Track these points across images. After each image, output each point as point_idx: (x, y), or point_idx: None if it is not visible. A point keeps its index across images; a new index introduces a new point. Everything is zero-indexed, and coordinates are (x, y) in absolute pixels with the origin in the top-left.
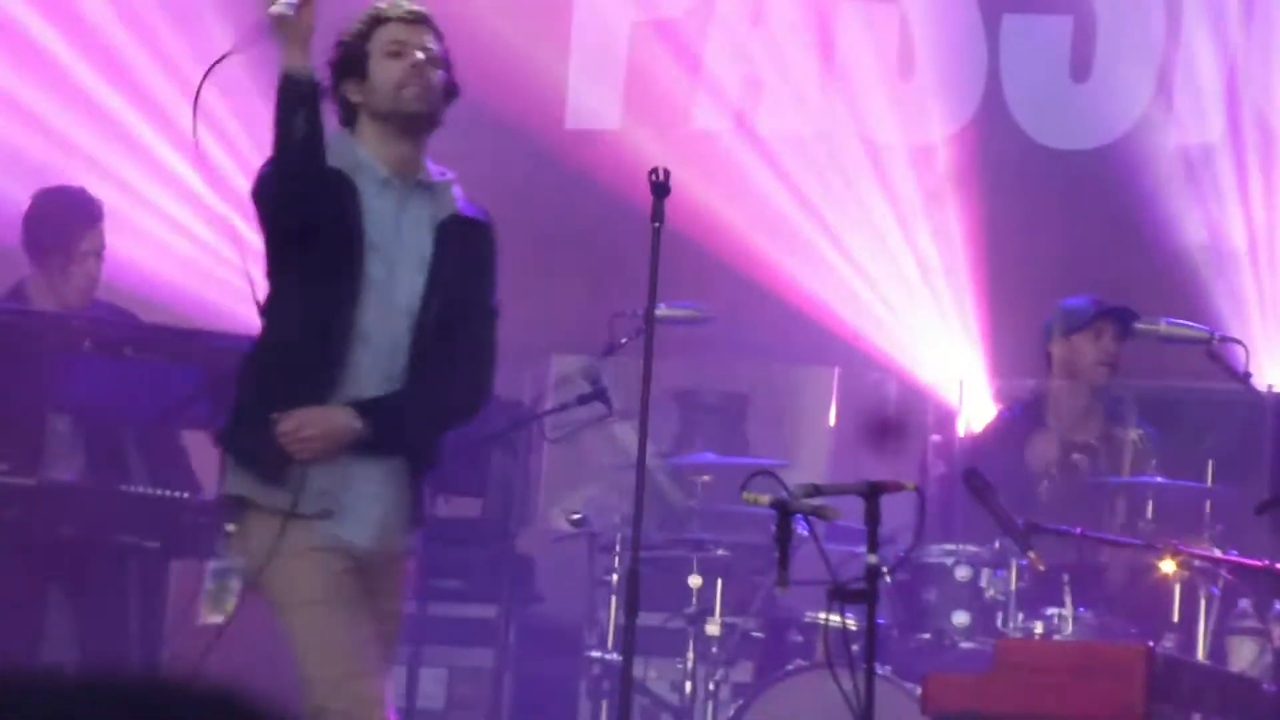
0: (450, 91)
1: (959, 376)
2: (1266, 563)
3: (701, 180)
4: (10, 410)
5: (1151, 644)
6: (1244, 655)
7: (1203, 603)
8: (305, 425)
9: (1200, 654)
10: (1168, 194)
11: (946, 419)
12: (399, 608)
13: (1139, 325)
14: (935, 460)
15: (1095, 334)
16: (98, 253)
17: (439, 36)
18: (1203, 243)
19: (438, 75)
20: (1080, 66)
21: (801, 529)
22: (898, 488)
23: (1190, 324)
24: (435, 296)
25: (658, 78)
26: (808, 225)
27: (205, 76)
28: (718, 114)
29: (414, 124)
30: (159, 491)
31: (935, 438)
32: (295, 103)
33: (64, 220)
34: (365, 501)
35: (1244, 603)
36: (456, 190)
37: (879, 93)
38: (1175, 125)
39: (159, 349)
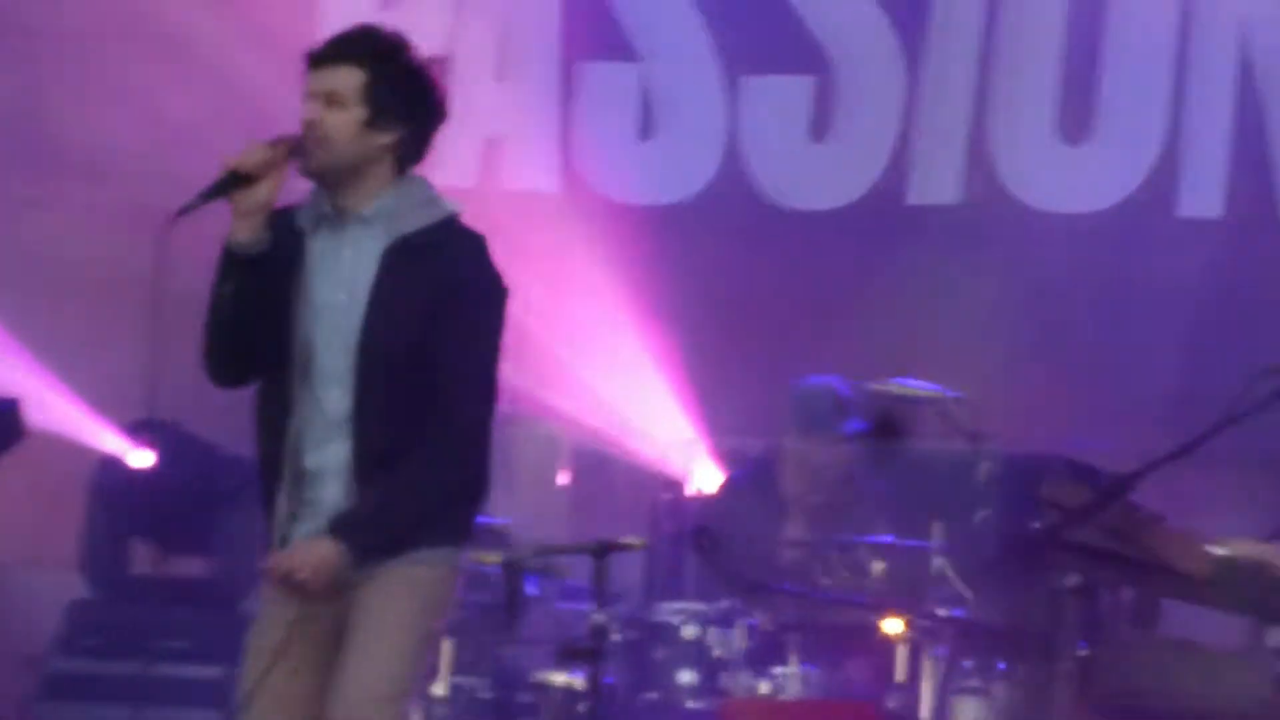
0: (374, 119)
1: (686, 435)
2: (991, 623)
3: None
4: None
5: (877, 703)
6: (967, 714)
7: (927, 662)
8: (295, 569)
9: (925, 713)
10: (908, 256)
11: (675, 480)
12: (370, 623)
13: (871, 387)
14: (665, 519)
15: (832, 444)
16: None
17: (362, 58)
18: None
19: (331, 124)
20: (820, 126)
21: (531, 588)
22: (626, 546)
23: (921, 384)
24: (373, 328)
25: None
26: (544, 282)
27: (169, 226)
28: (459, 171)
29: (314, 179)
30: None
31: (665, 496)
32: (226, 273)
33: None
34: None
35: (968, 662)
36: (415, 222)
37: (619, 152)
38: (915, 186)
39: None
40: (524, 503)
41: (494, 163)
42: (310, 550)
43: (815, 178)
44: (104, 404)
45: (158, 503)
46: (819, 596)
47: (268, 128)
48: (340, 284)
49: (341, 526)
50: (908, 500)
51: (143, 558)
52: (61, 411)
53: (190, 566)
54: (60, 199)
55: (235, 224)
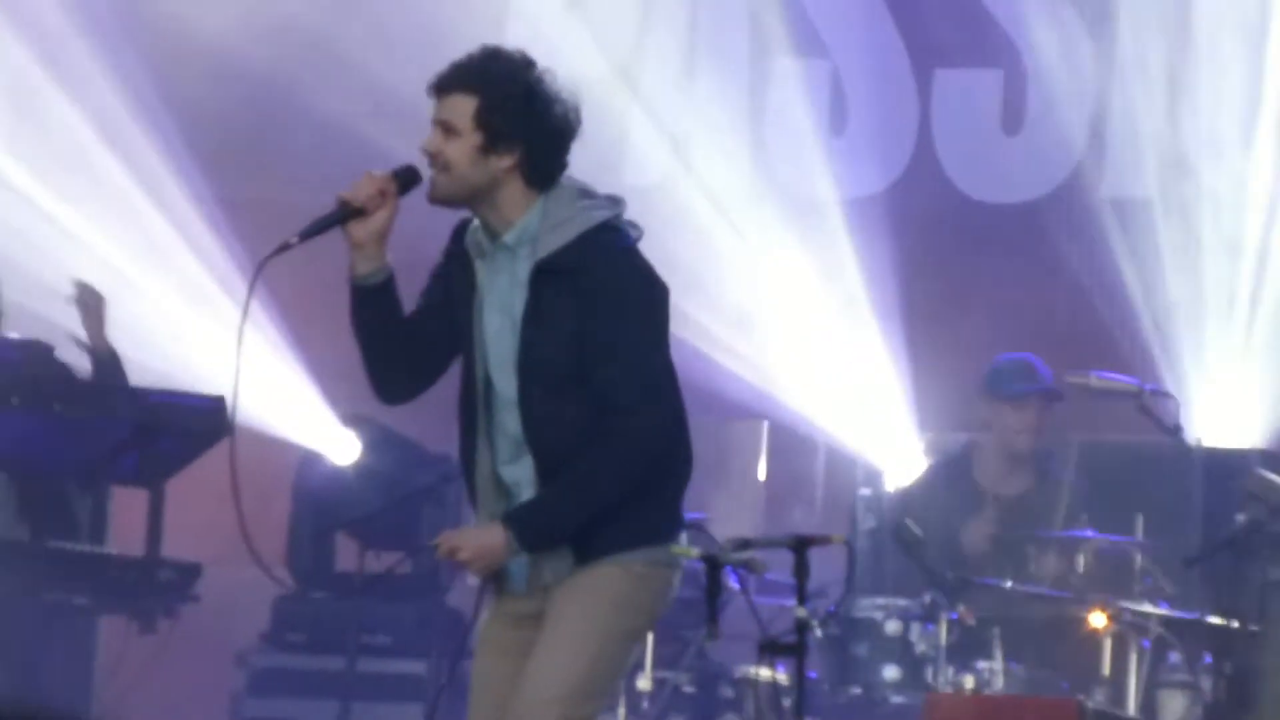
0: (490, 143)
1: (889, 430)
2: (1196, 616)
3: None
4: None
5: (1081, 698)
6: (1174, 709)
7: (1133, 656)
8: (459, 548)
9: (1131, 708)
10: (1100, 248)
11: (875, 472)
12: (554, 628)
13: (1069, 378)
14: (865, 514)
15: (1019, 404)
16: None
17: (474, 85)
18: (1135, 296)
19: (450, 153)
20: (1011, 120)
21: (732, 582)
22: (826, 541)
23: (1120, 377)
24: (528, 350)
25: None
26: (735, 280)
27: (263, 264)
28: (648, 170)
29: (444, 206)
30: (84, 548)
31: (864, 491)
32: (355, 307)
33: None
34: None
35: (1174, 656)
36: (558, 240)
37: (809, 147)
38: (1108, 178)
39: (86, 403)
40: (723, 497)
41: (684, 159)
42: (478, 534)
43: (1008, 171)
44: (309, 400)
45: (361, 499)
46: (1022, 591)
47: None
48: (500, 310)
49: (512, 516)
50: (1108, 494)
51: (347, 553)
52: (267, 408)
53: (393, 562)
54: (267, 200)
55: (352, 256)
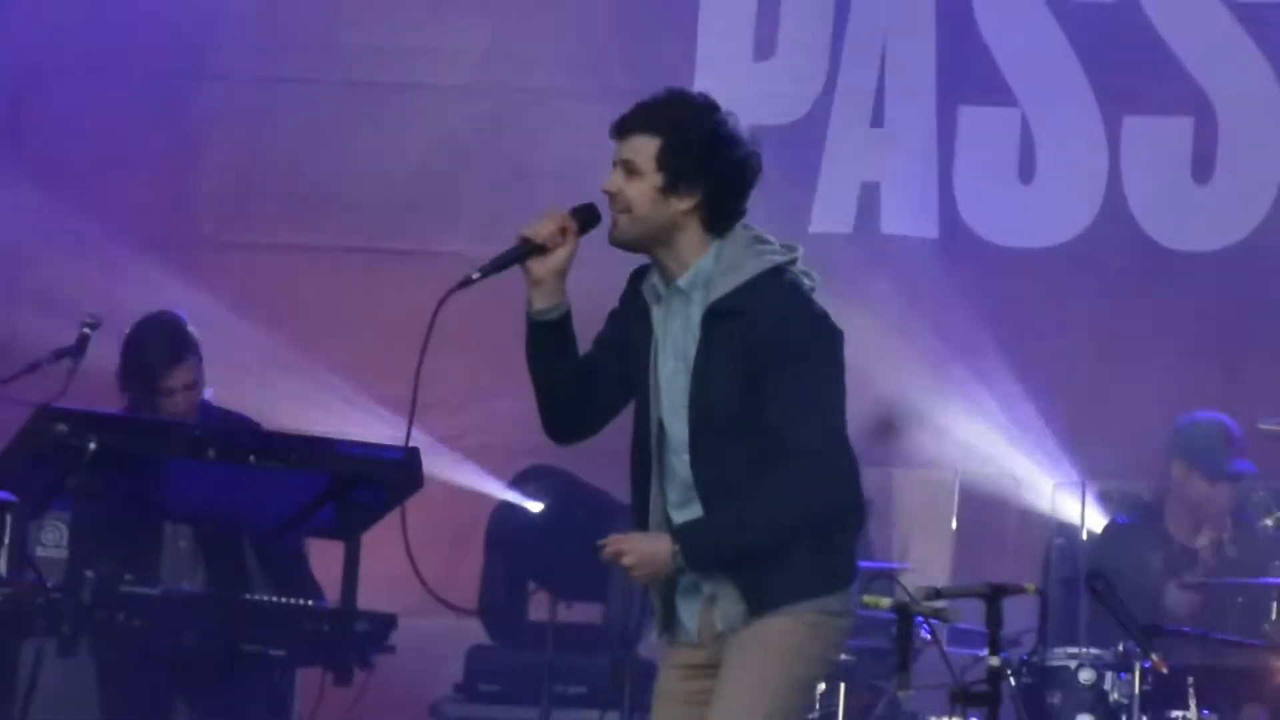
0: (671, 185)
1: (1081, 479)
2: None
3: (823, 284)
4: (131, 520)
5: None
6: None
7: None
8: (623, 552)
9: None
10: None
11: (1068, 522)
12: (728, 679)
13: (1262, 426)
14: (1058, 563)
15: (1213, 482)
16: (188, 387)
17: (657, 126)
18: None
19: (631, 193)
20: (1202, 167)
21: (923, 632)
22: (1019, 590)
23: None
24: (699, 394)
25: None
26: (928, 329)
27: (444, 300)
28: (836, 217)
29: (625, 249)
30: (282, 600)
31: (1058, 540)
32: (531, 346)
33: (148, 358)
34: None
35: None
36: (726, 284)
37: (999, 195)
38: None
39: (283, 456)
40: (914, 547)
41: (871, 207)
42: (645, 540)
43: (1198, 219)
44: (495, 453)
45: (552, 549)
46: (1216, 639)
47: None
48: (675, 354)
49: (681, 529)
50: None
51: (539, 604)
52: (456, 461)
53: (585, 613)
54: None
55: (530, 292)
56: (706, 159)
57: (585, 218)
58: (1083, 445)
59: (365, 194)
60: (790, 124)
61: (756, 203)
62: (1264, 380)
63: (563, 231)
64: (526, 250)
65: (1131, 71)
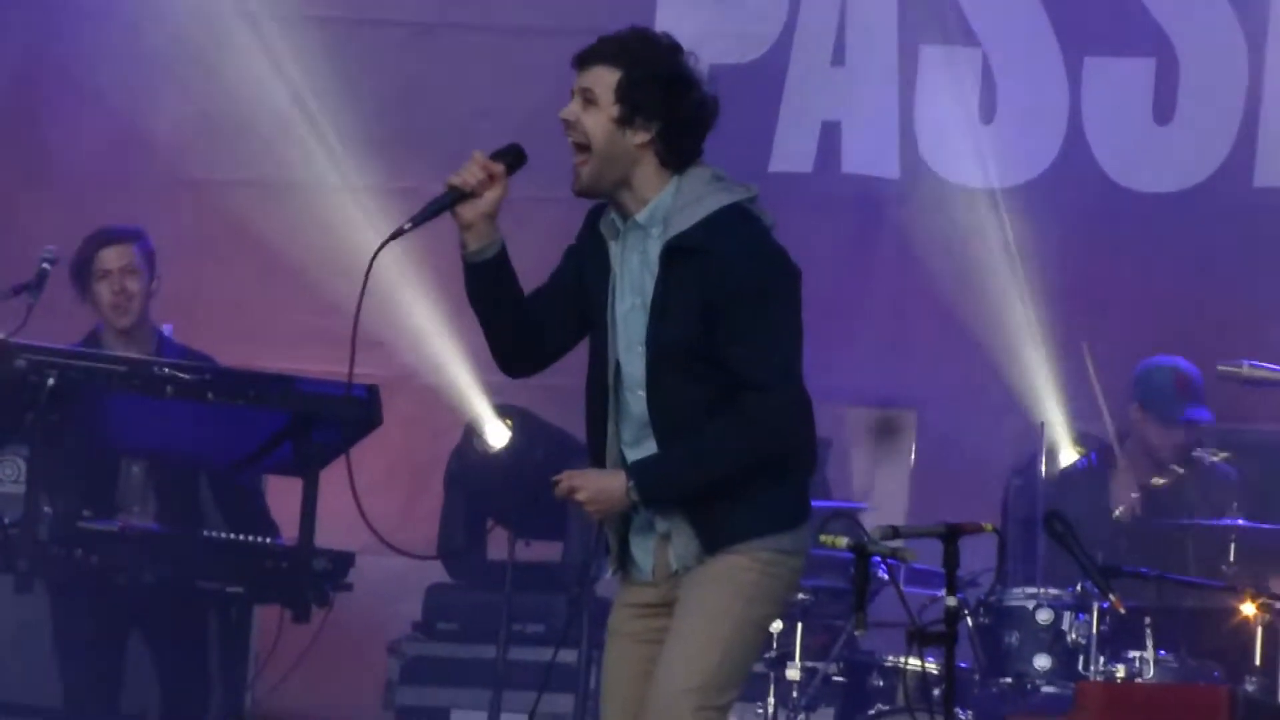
0: (628, 116)
1: (1039, 419)
2: None
3: (782, 224)
4: (89, 456)
5: (1234, 686)
6: None
7: None
8: (577, 487)
9: None
10: (1253, 236)
11: (1026, 462)
12: (684, 617)
13: (1220, 367)
14: (1016, 503)
15: (1167, 424)
16: (124, 270)
17: (620, 58)
18: None
19: (588, 122)
20: (1163, 109)
21: (880, 572)
22: (977, 530)
23: (1272, 367)
24: (657, 330)
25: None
26: (885, 268)
27: (378, 251)
28: (797, 157)
29: (587, 195)
30: (240, 537)
31: (1016, 480)
32: (470, 287)
33: (86, 245)
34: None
35: None
36: (684, 221)
37: (960, 135)
38: (1261, 167)
39: (241, 393)
40: (872, 486)
41: (832, 147)
42: (599, 476)
43: (1160, 160)
44: (462, 389)
45: (512, 488)
46: (1173, 580)
47: None
48: (632, 290)
49: (635, 465)
50: (1259, 483)
51: (498, 542)
52: (418, 396)
53: (544, 551)
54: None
55: (462, 235)
56: (665, 94)
57: (510, 159)
58: (1041, 384)
59: (325, 130)
60: (750, 62)
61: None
62: (1224, 322)
63: (490, 176)
64: (455, 197)
65: (1093, 12)
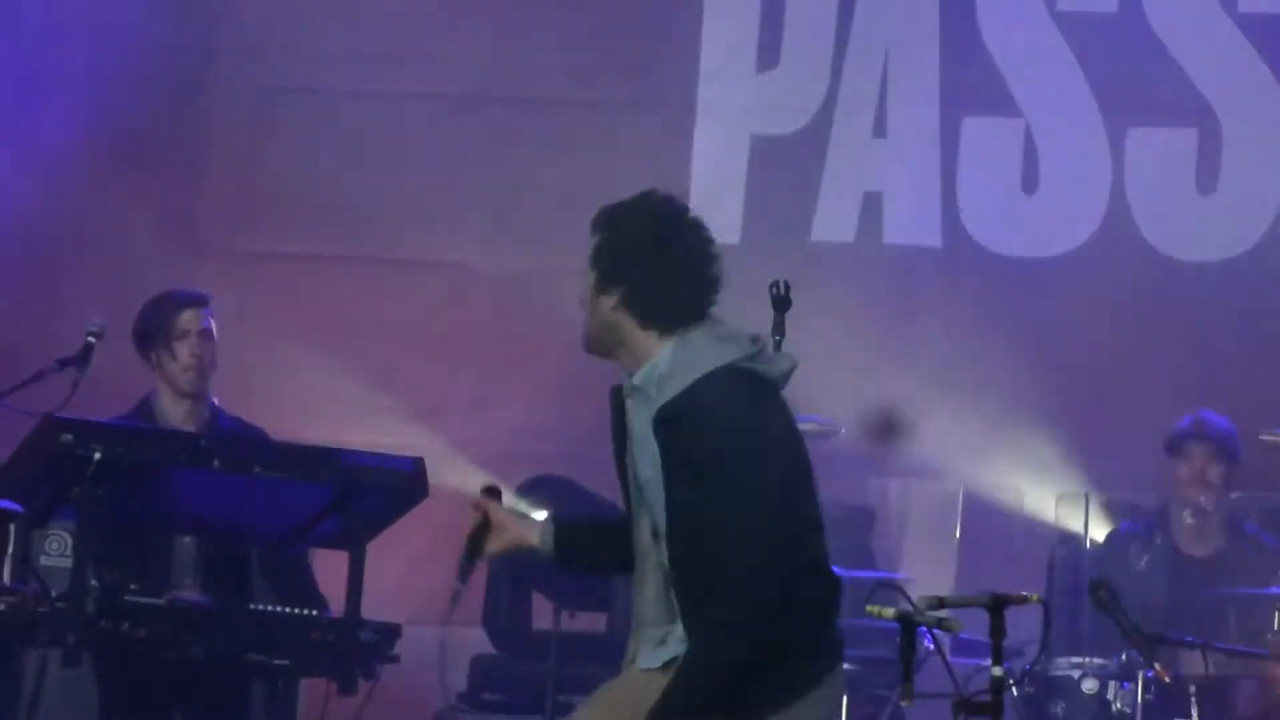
0: (600, 283)
1: (1085, 489)
2: None
3: (824, 293)
4: (136, 530)
5: None
6: None
7: None
8: None
9: None
10: None
11: (1071, 533)
12: None
13: (1264, 436)
14: (1061, 572)
15: (1185, 456)
16: (199, 333)
17: (599, 224)
18: None
19: (581, 291)
20: (1206, 178)
21: (926, 642)
22: (1022, 600)
23: None
24: (668, 500)
25: (777, 192)
26: (930, 339)
27: (449, 611)
28: (838, 227)
29: (596, 355)
30: (288, 610)
31: (1061, 549)
32: (573, 572)
33: (161, 305)
34: None
35: None
36: (672, 388)
37: (1002, 206)
38: None
39: (288, 467)
40: (918, 556)
41: (874, 217)
42: None
43: (1202, 229)
44: (500, 462)
45: None
46: (1219, 648)
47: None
48: (642, 455)
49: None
50: None
51: (543, 613)
52: (461, 470)
53: (589, 622)
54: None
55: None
56: (627, 256)
57: (490, 494)
58: (1087, 455)
59: (370, 203)
60: (793, 134)
61: (760, 211)
62: (1268, 392)
63: (483, 511)
64: (476, 544)
65: (1135, 82)
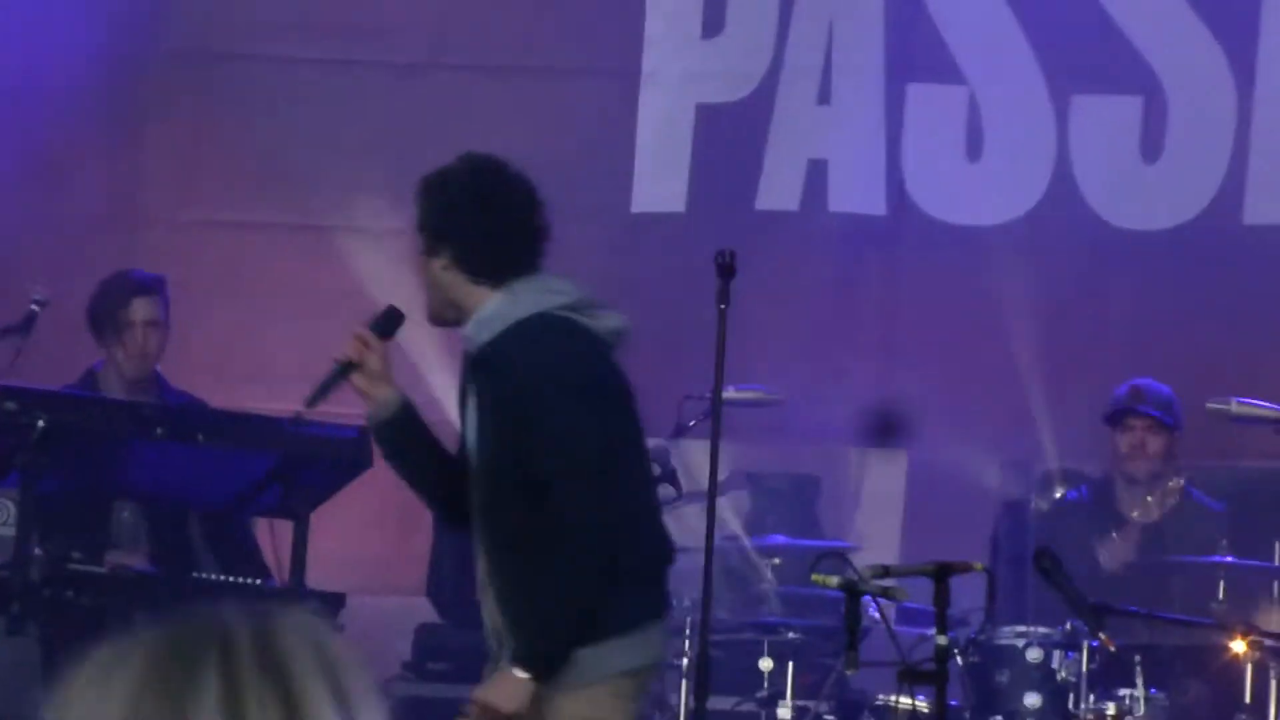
0: (428, 247)
1: (1029, 458)
2: None
3: (770, 262)
4: (80, 498)
5: None
6: None
7: (1274, 683)
8: (495, 706)
9: None
10: (1242, 274)
11: (1017, 500)
12: None
13: (1209, 405)
14: (1006, 541)
15: (1124, 427)
16: (149, 323)
17: (419, 193)
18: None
19: (413, 260)
20: (1151, 146)
21: (871, 611)
22: (967, 569)
23: (1261, 403)
24: (473, 450)
25: (722, 160)
26: (872, 308)
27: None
28: (783, 194)
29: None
30: (231, 579)
31: (1006, 519)
32: (383, 452)
33: (113, 292)
34: None
35: None
36: (486, 334)
37: (947, 173)
38: (1250, 205)
39: (232, 435)
40: (864, 525)
41: (819, 185)
42: (500, 690)
43: (1147, 197)
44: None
45: None
46: (1163, 618)
47: (593, 154)
48: (468, 419)
49: (518, 659)
50: (1247, 520)
51: None
52: None
53: None
54: None
55: (367, 404)
56: (448, 217)
57: (383, 324)
58: (1031, 423)
59: (316, 171)
60: (737, 101)
61: (704, 179)
62: (1213, 359)
63: (365, 344)
64: (342, 371)
65: (1080, 50)
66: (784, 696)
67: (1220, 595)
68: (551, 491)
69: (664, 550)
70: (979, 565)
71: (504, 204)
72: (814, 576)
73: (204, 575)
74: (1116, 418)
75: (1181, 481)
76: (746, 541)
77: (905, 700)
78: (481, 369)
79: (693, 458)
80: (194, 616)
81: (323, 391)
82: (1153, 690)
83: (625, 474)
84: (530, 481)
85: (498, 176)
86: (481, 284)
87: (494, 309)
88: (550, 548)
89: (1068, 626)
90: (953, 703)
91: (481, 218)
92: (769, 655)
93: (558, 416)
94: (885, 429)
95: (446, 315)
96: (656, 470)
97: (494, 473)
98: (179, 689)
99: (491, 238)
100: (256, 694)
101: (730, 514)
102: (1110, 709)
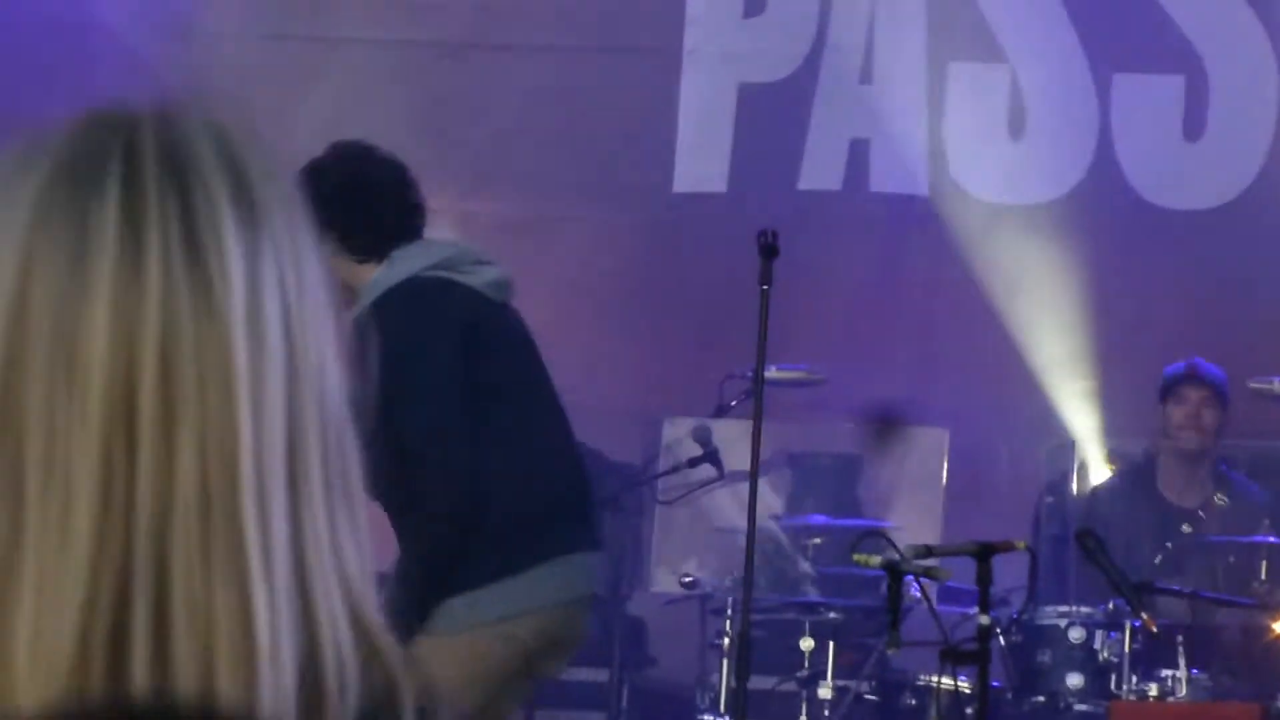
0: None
1: (1072, 438)
2: None
3: (811, 241)
4: None
5: (1266, 704)
6: None
7: None
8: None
9: None
10: None
11: (1059, 480)
12: None
13: (1251, 384)
14: (1048, 521)
15: (1179, 399)
16: None
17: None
18: None
19: None
20: (1193, 125)
21: (913, 590)
22: (1009, 548)
23: None
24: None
25: (764, 140)
26: (917, 285)
27: None
28: (825, 174)
29: None
30: None
31: (1048, 498)
32: None
33: None
34: None
35: None
36: (366, 301)
37: (989, 153)
38: None
39: None
40: (905, 505)
41: (861, 165)
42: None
43: (1189, 176)
44: None
45: None
46: (1205, 597)
47: (635, 134)
48: None
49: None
50: None
51: None
52: None
53: None
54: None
55: None
56: (325, 204)
57: None
58: (1073, 404)
59: None
60: (779, 80)
61: (746, 158)
62: (1255, 339)
63: None
64: None
65: (1122, 28)
66: (825, 676)
67: (1263, 575)
68: (408, 451)
69: (560, 491)
70: (1021, 544)
71: (375, 185)
72: (855, 556)
73: None
74: (1173, 387)
75: (1221, 466)
76: (787, 520)
77: (947, 680)
78: (354, 340)
79: (734, 437)
80: (98, 114)
81: None
82: (1195, 671)
83: (501, 423)
84: (398, 445)
85: (367, 156)
86: (367, 263)
87: (372, 280)
88: (413, 506)
89: (1110, 606)
90: (995, 683)
91: (356, 198)
92: (810, 635)
93: (408, 376)
94: (882, 431)
95: (346, 299)
96: (699, 449)
97: (374, 443)
98: (84, 189)
99: (368, 216)
100: (157, 189)
101: (771, 494)
102: (1152, 689)
